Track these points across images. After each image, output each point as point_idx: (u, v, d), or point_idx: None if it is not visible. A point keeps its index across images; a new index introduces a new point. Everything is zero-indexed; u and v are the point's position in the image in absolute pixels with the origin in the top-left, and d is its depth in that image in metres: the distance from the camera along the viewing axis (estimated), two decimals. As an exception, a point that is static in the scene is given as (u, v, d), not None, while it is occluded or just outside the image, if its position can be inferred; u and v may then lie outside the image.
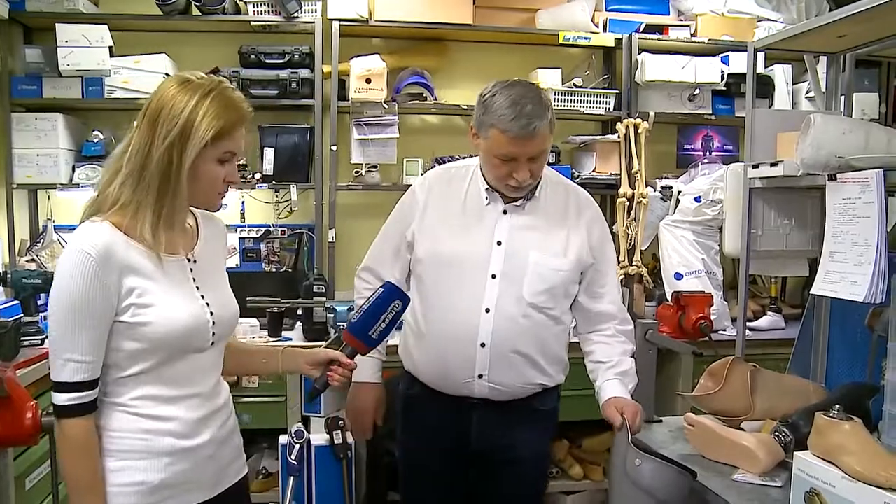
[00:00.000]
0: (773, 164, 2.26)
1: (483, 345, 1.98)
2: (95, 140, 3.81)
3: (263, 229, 4.06)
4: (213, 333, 1.65)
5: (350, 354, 1.77)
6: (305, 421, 3.42)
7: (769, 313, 3.93)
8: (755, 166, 2.38)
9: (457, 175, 2.11)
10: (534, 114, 1.85)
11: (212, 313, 1.65)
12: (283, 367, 1.87)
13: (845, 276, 1.94)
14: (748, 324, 3.83)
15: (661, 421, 2.38)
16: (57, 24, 3.58)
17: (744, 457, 1.93)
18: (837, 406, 1.69)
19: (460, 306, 1.99)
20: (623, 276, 3.78)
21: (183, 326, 1.58)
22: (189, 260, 1.67)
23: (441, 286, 2.01)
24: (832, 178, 2.01)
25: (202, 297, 1.65)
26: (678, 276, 3.81)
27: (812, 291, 2.08)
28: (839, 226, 1.98)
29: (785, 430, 1.95)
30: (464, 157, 2.78)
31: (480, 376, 2.01)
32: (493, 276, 1.99)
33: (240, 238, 4.06)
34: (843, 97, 2.48)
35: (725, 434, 2.00)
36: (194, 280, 1.66)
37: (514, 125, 1.85)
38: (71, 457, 1.53)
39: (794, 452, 1.72)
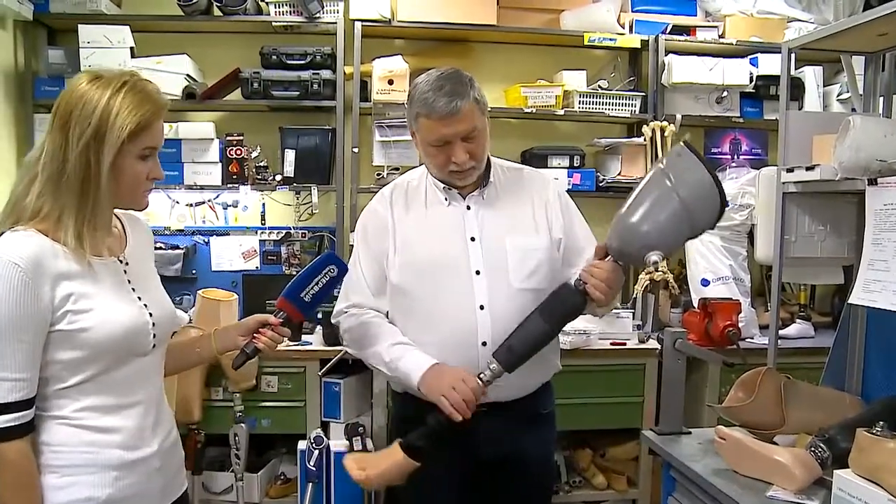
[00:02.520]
0: (809, 168, 2.16)
1: (484, 343, 1.92)
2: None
3: (284, 232, 4.01)
4: (154, 336, 1.59)
5: (283, 319, 1.74)
6: (325, 426, 3.39)
7: (798, 321, 3.83)
8: (790, 170, 2.29)
9: (411, 185, 2.08)
10: (454, 92, 1.85)
11: (151, 314, 1.60)
12: (218, 348, 1.78)
13: (887, 285, 1.84)
14: (777, 332, 3.73)
15: (690, 433, 2.29)
16: (79, 25, 3.56)
17: (779, 473, 1.84)
18: (882, 423, 1.59)
19: (453, 309, 1.94)
20: (648, 283, 3.71)
21: (123, 329, 1.51)
22: (121, 262, 1.61)
23: (428, 294, 1.96)
24: (873, 182, 1.91)
25: (139, 298, 1.60)
26: (705, 283, 3.72)
27: (850, 301, 1.98)
28: (880, 232, 1.88)
29: (822, 445, 1.86)
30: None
31: (500, 373, 1.90)
32: (478, 273, 1.95)
33: (260, 241, 4.02)
34: (881, 98, 2.37)
35: (759, 448, 1.91)
36: (129, 282, 1.60)
37: (436, 106, 1.85)
38: (13, 484, 1.44)
39: (834, 470, 1.63)
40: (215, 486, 3.51)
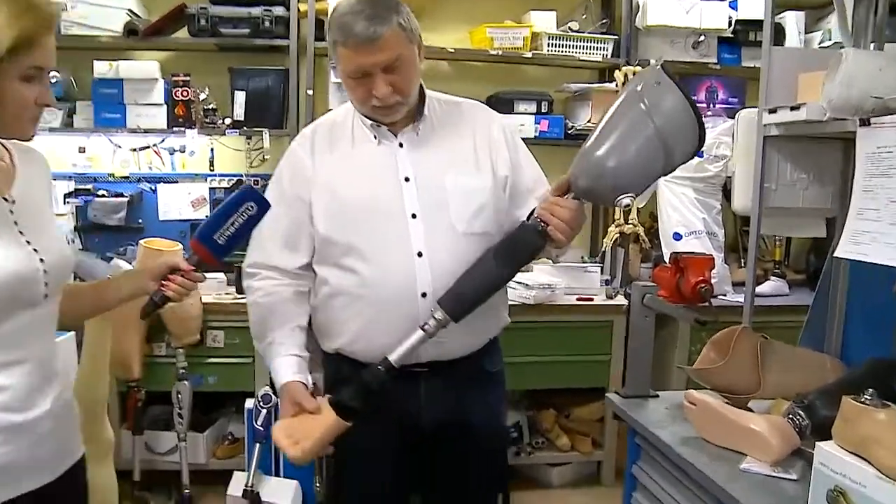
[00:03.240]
0: (794, 108, 1.97)
1: (424, 294, 1.73)
2: (53, 80, 3.44)
3: (235, 179, 3.82)
4: (46, 284, 1.42)
5: (196, 264, 1.58)
6: (273, 384, 3.19)
7: (772, 278, 3.71)
8: (772, 111, 2.09)
9: (337, 123, 1.87)
10: (375, 16, 1.64)
11: (42, 261, 1.41)
12: (125, 292, 1.61)
13: (878, 236, 1.66)
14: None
15: (657, 396, 2.12)
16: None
17: (753, 443, 1.67)
18: (871, 390, 1.41)
19: (386, 257, 1.75)
20: (618, 236, 3.59)
21: (8, 277, 1.34)
22: (7, 201, 1.42)
23: (358, 243, 1.76)
24: (865, 122, 1.72)
25: (28, 242, 1.41)
26: (677, 237, 3.58)
27: (836, 254, 1.79)
28: (871, 178, 1.69)
29: (800, 412, 1.68)
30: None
31: (445, 322, 1.71)
32: (413, 216, 1.75)
33: (210, 188, 3.82)
34: (872, 44, 2.16)
35: (733, 416, 1.74)
36: (16, 224, 1.41)
37: (353, 32, 1.64)
38: None
39: (815, 442, 1.45)
40: (159, 445, 3.40)
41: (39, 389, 1.42)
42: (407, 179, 1.78)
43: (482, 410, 1.93)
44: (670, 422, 1.93)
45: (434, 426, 1.87)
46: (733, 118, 2.87)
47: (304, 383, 1.72)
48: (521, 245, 1.66)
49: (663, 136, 1.53)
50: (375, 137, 1.81)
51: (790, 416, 1.70)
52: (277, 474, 3.07)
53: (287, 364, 1.76)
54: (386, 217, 1.76)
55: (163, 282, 1.58)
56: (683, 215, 3.58)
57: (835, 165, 2.23)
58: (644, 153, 1.54)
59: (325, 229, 1.79)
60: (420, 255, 1.75)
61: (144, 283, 1.60)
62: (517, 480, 3.50)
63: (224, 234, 1.56)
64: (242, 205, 1.56)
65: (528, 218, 1.66)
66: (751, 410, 1.84)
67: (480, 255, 1.68)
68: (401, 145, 1.81)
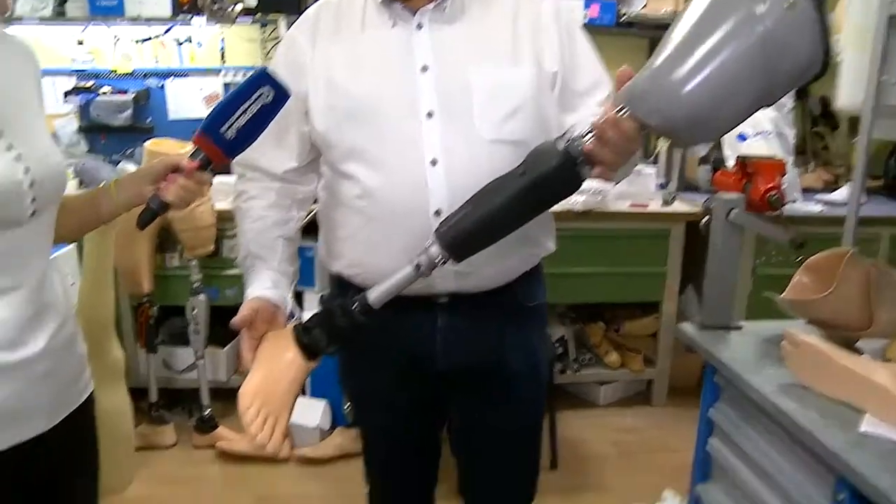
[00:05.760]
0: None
1: (438, 212, 1.41)
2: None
3: (249, 72, 3.41)
4: (34, 199, 1.23)
5: (202, 163, 1.33)
6: (298, 296, 3.09)
7: (845, 184, 3.31)
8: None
9: (343, 2, 1.53)
10: None
11: (27, 170, 1.22)
12: (121, 200, 1.40)
13: None
14: (820, 196, 3.31)
15: (740, 328, 1.80)
16: None
17: (878, 399, 1.35)
18: None
19: (393, 164, 1.45)
20: (677, 135, 3.18)
21: None
22: None
23: (361, 146, 1.46)
24: None
25: (9, 147, 1.21)
26: (742, 138, 3.23)
27: None
28: None
29: (934, 360, 1.36)
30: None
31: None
32: (430, 115, 1.42)
33: (224, 83, 3.52)
34: None
35: (849, 364, 1.42)
36: None
37: None
38: None
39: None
40: (176, 363, 3.28)
41: (32, 323, 1.26)
42: (425, 69, 1.44)
43: (517, 353, 1.63)
44: (761, 363, 1.61)
45: (455, 372, 1.59)
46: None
47: (273, 301, 1.44)
48: (550, 174, 1.23)
49: (771, 53, 1.05)
50: (390, 19, 1.47)
51: (922, 365, 1.38)
52: (304, 393, 3.03)
53: (260, 278, 1.48)
54: (395, 115, 1.44)
55: (161, 185, 1.35)
56: (750, 112, 3.19)
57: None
58: (742, 73, 1.06)
59: (323, 128, 1.49)
60: (434, 163, 1.43)
61: (141, 188, 1.38)
62: (561, 399, 3.31)
63: (234, 127, 1.29)
64: (256, 90, 1.28)
65: (570, 140, 1.22)
66: (859, 352, 1.54)
67: (498, 178, 1.29)
68: (419, 27, 1.46)
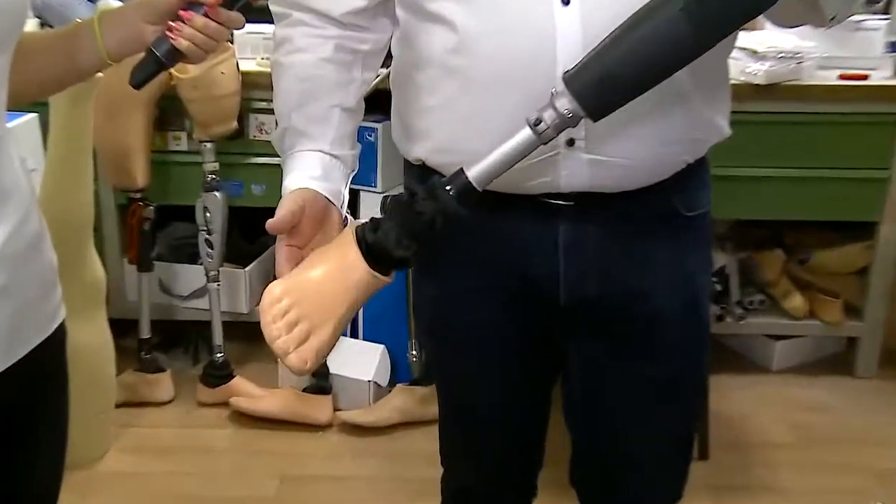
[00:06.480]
0: None
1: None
2: None
3: None
4: None
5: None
6: (352, 200, 3.07)
7: None
8: None
9: None
10: None
11: None
12: (107, 48, 1.41)
13: None
14: None
15: None
16: None
17: None
18: None
19: (507, 4, 1.44)
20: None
21: None
22: None
23: None
24: None
25: None
26: None
27: None
28: None
29: None
30: None
31: (571, 143, 1.46)
32: None
33: None
34: None
35: None
36: None
37: None
38: None
39: None
40: (178, 286, 3.32)
41: None
42: None
43: (669, 284, 1.62)
44: None
45: (579, 307, 1.59)
46: None
47: (326, 197, 1.45)
48: None
49: None
50: None
51: None
52: (354, 335, 3.08)
53: (306, 163, 1.49)
54: None
55: (171, 25, 1.37)
56: None
57: None
58: None
59: None
60: (566, 1, 1.39)
61: (138, 28, 1.40)
62: (717, 358, 3.18)
63: None
64: None
65: None
66: None
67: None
68: None
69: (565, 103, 1.25)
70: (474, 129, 1.47)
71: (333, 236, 1.39)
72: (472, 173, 1.29)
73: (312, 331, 1.29)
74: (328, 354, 1.36)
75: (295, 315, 1.29)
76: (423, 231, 1.29)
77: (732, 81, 1.42)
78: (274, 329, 1.28)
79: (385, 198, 2.89)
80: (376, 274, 1.30)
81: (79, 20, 1.48)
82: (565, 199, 1.49)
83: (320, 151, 1.50)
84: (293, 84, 1.55)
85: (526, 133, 1.27)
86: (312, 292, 1.32)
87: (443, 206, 1.28)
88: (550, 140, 1.29)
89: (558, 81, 1.29)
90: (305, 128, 1.52)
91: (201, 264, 3.10)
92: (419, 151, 1.59)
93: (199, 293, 3.20)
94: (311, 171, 1.47)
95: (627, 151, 1.45)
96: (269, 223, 1.37)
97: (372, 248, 1.30)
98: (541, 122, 1.27)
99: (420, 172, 1.60)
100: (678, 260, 1.62)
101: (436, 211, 1.28)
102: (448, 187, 1.29)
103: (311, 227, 1.39)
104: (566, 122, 1.27)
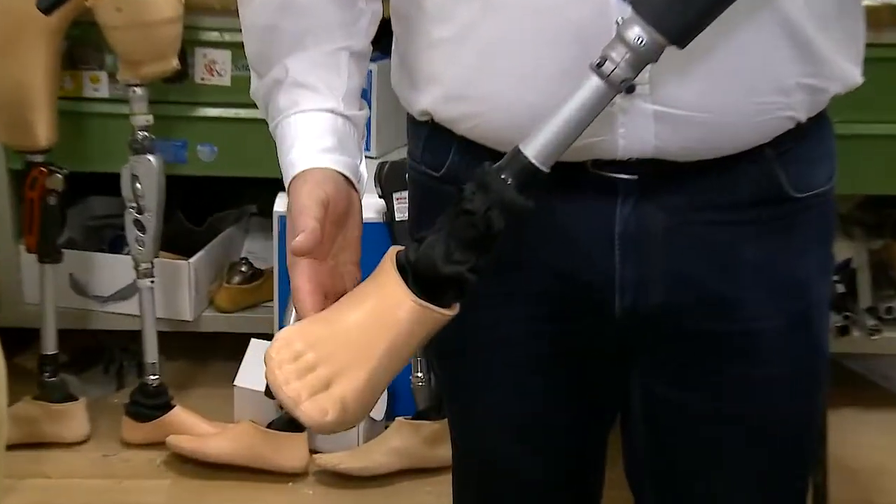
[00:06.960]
0: None
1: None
2: None
3: None
4: None
5: None
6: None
7: None
8: None
9: None
10: None
11: None
12: None
13: None
14: None
15: None
16: None
17: None
18: None
19: None
20: None
21: None
22: None
23: None
24: None
25: None
26: None
27: None
28: None
29: None
30: None
31: (630, 88, 1.36)
32: None
33: None
34: None
35: None
36: None
37: None
38: None
39: None
40: (98, 284, 3.30)
41: None
42: None
43: (767, 289, 1.53)
44: None
45: (643, 316, 1.52)
46: None
47: (347, 178, 1.41)
48: None
49: None
50: None
51: None
52: None
53: (313, 128, 1.44)
54: None
55: None
56: None
57: None
58: None
59: None
60: None
61: None
62: (838, 383, 3.01)
63: None
64: None
65: None
66: None
67: None
68: None
69: (637, 32, 1.20)
70: (501, 69, 1.42)
71: (356, 237, 1.40)
72: (532, 150, 1.22)
73: (334, 377, 1.23)
74: (363, 412, 1.29)
75: (313, 358, 1.24)
76: (477, 236, 1.23)
77: (866, 2, 1.46)
78: (280, 375, 1.21)
79: (381, 164, 2.80)
80: (426, 304, 1.24)
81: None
82: (624, 171, 1.41)
83: (331, 112, 1.44)
84: (278, 17, 1.49)
85: (593, 83, 1.20)
86: (339, 335, 1.29)
87: (499, 199, 1.21)
88: (628, 86, 1.23)
89: (618, 4, 1.31)
90: (305, 78, 1.46)
91: (129, 254, 3.04)
92: (426, 101, 1.52)
93: (126, 293, 3.19)
94: (322, 140, 1.41)
95: (708, 101, 1.36)
96: (296, 245, 1.30)
97: (416, 269, 1.26)
98: (606, 60, 1.21)
99: (427, 133, 1.55)
100: (784, 260, 1.52)
101: (490, 206, 1.21)
102: (502, 174, 1.22)
103: (333, 227, 1.36)
104: (642, 57, 1.20)
